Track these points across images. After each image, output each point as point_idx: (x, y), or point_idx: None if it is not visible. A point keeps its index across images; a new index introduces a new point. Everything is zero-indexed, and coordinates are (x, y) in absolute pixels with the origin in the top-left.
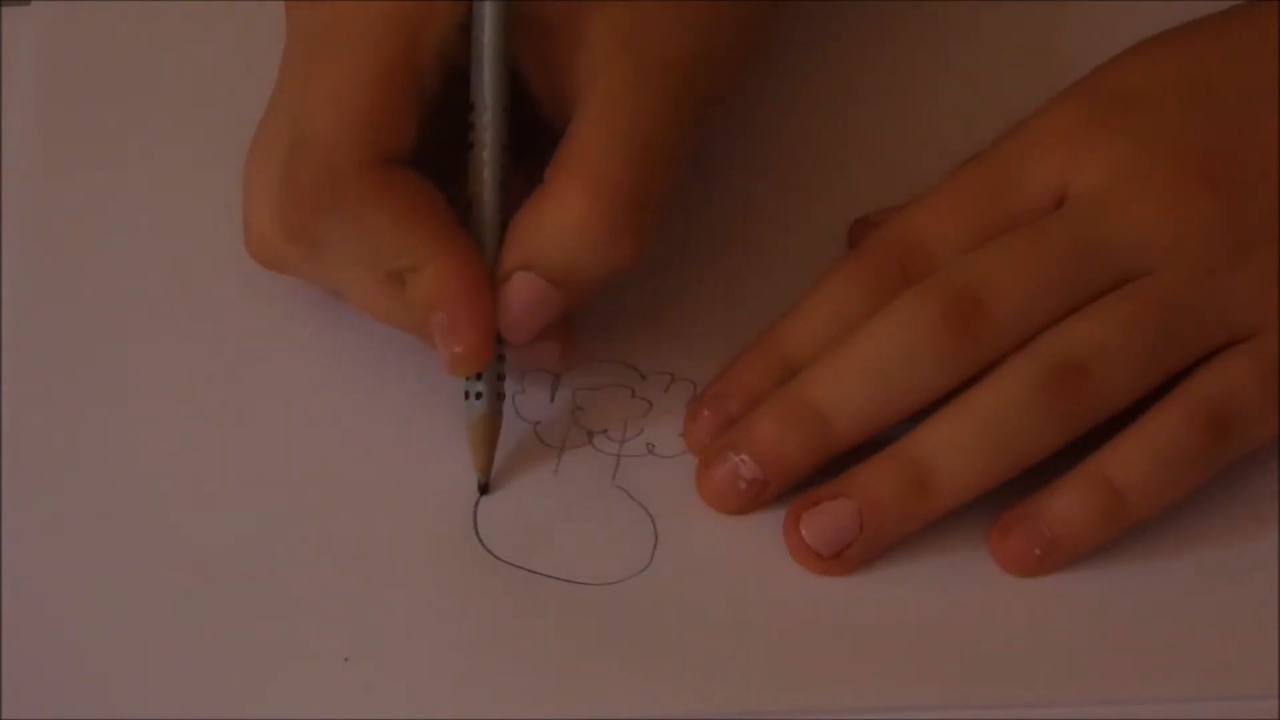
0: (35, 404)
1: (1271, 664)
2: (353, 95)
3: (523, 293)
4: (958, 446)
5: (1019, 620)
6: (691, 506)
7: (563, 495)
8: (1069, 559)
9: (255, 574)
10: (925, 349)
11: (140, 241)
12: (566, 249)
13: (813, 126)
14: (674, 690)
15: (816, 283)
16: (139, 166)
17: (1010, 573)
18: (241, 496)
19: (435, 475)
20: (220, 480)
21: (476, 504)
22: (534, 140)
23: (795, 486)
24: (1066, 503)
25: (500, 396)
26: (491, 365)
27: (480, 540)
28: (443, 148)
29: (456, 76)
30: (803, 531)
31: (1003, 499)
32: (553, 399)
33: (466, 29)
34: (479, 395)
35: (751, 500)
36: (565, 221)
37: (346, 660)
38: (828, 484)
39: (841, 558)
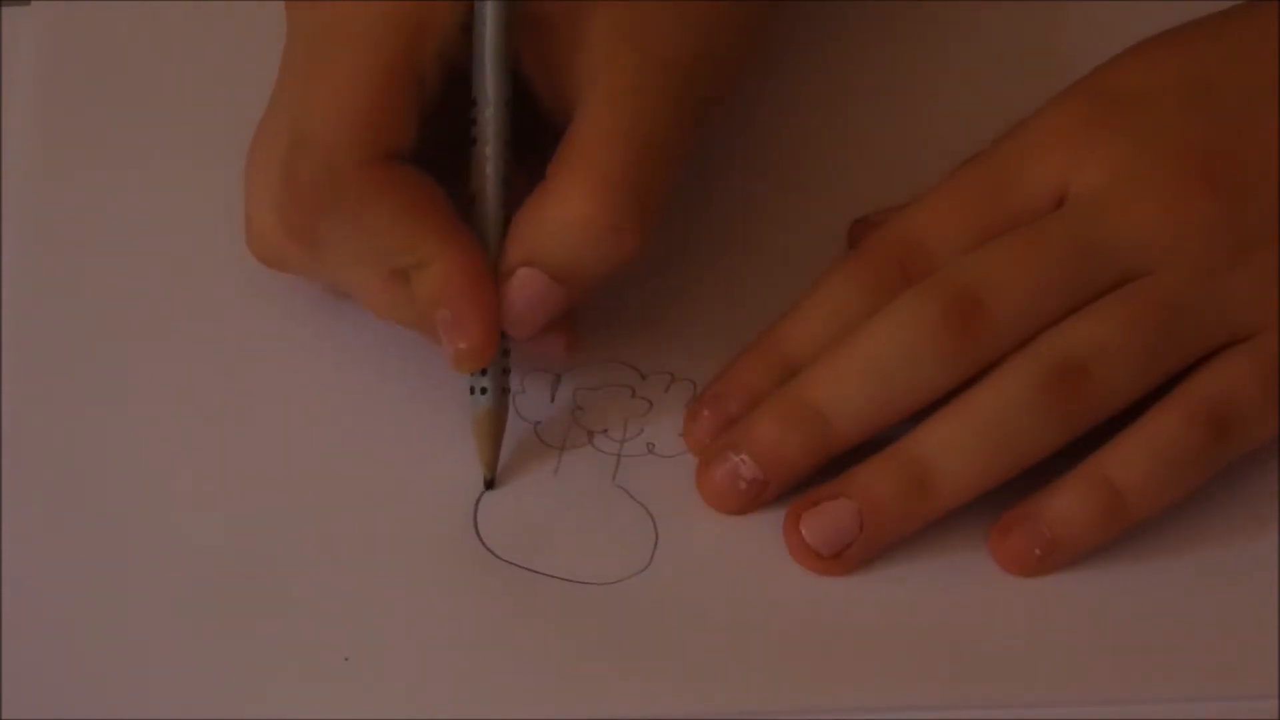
0: (35, 404)
1: (1271, 664)
2: (353, 95)
3: (526, 289)
4: (958, 446)
5: (1019, 620)
6: (691, 506)
7: (563, 495)
8: (1069, 559)
9: (255, 574)
10: (925, 349)
11: (140, 241)
12: (569, 245)
13: (813, 126)
14: (674, 690)
15: (816, 283)
16: (139, 166)
17: (1010, 573)
18: (242, 496)
19: (435, 474)
20: (220, 480)
21: (477, 503)
22: (536, 138)
23: (795, 486)
24: (1066, 503)
25: (505, 391)
26: (496, 360)
27: (480, 539)
28: (443, 146)
29: (457, 75)
30: (803, 531)
31: (1003, 499)
32: (553, 399)
33: (467, 29)
34: (484, 390)
35: (751, 500)
36: (567, 218)
37: (346, 660)
38: (828, 484)
39: (841, 558)
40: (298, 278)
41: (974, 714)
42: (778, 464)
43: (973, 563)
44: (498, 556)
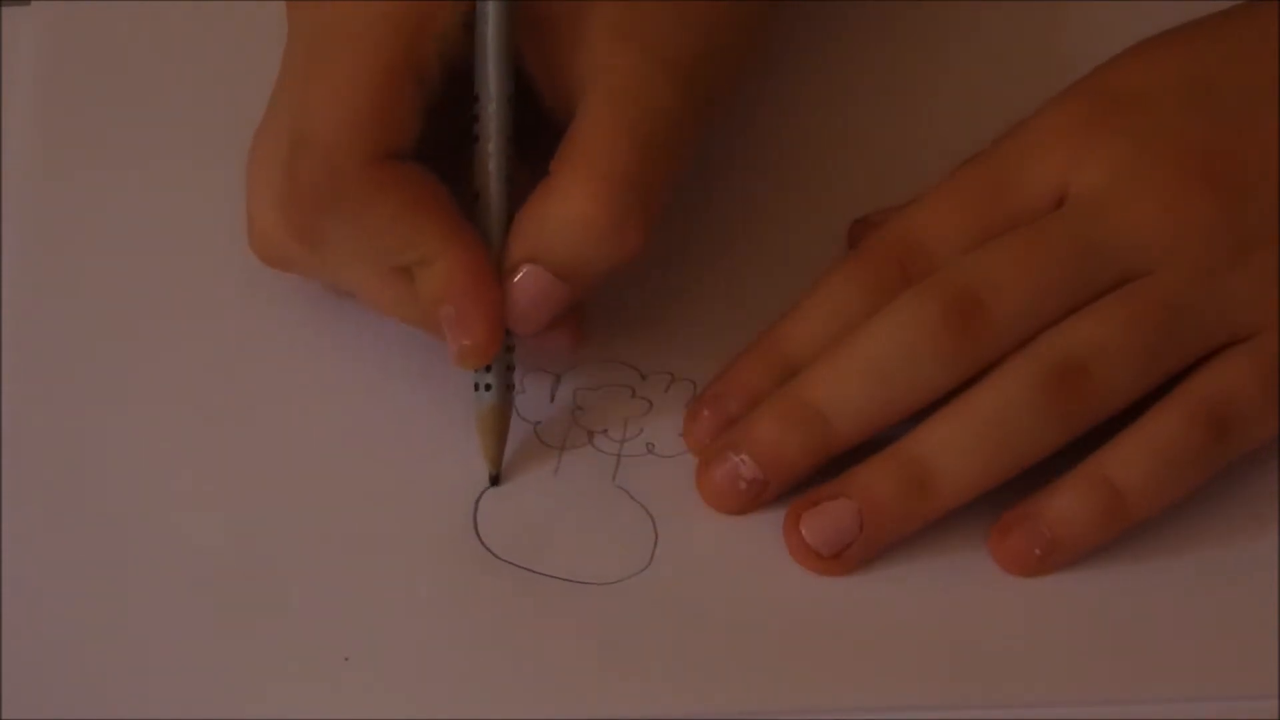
0: (35, 404)
1: (1271, 664)
2: (354, 94)
3: (529, 286)
4: (958, 446)
5: (1019, 620)
6: (691, 506)
7: (563, 495)
8: (1069, 559)
9: (255, 574)
10: (925, 349)
11: (140, 241)
12: (572, 242)
13: (813, 126)
14: (674, 690)
15: (816, 283)
16: (139, 166)
17: (1010, 573)
18: (242, 496)
19: (435, 474)
20: (220, 480)
21: (477, 503)
22: (537, 135)
23: (795, 486)
24: (1066, 503)
25: (510, 387)
26: (500, 357)
27: (480, 540)
28: (444, 145)
29: (458, 74)
30: (803, 531)
31: (1003, 499)
32: (553, 399)
33: (468, 27)
34: (488, 387)
35: (751, 500)
36: (570, 215)
37: (346, 660)
38: (828, 484)
39: (841, 558)
40: (298, 277)
41: (974, 714)
42: (778, 464)
43: (973, 563)
44: (498, 556)
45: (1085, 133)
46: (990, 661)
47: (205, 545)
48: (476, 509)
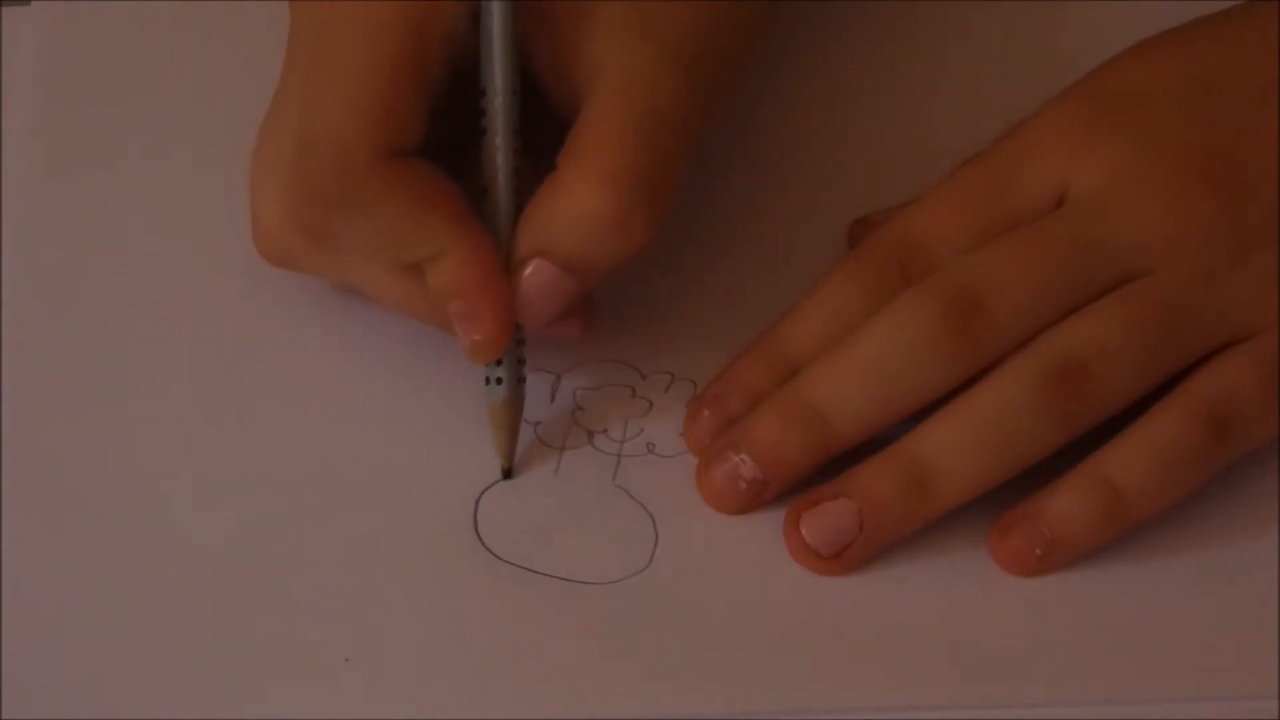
0: (35, 404)
1: (1271, 664)
2: (361, 91)
3: (538, 280)
4: (958, 446)
5: (1019, 620)
6: (691, 506)
7: (563, 495)
8: (1069, 559)
9: (255, 574)
10: (925, 349)
11: (140, 241)
12: (579, 237)
13: (813, 126)
14: (674, 690)
15: (816, 283)
16: (139, 166)
17: (1010, 573)
18: (241, 496)
19: (435, 474)
20: (220, 480)
21: (477, 503)
22: (544, 131)
23: (795, 486)
24: (1066, 503)
25: (521, 381)
26: (511, 350)
27: (480, 540)
28: (446, 143)
29: (462, 70)
30: (803, 531)
31: (1003, 499)
32: (553, 399)
33: (472, 22)
34: (499, 381)
35: (751, 500)
36: (577, 210)
37: (347, 660)
38: (828, 484)
39: (841, 558)
40: (298, 278)
41: (974, 714)
42: (778, 464)
43: (973, 563)
44: (498, 556)
45: (1085, 133)
46: (990, 661)
47: (205, 545)
48: (476, 509)
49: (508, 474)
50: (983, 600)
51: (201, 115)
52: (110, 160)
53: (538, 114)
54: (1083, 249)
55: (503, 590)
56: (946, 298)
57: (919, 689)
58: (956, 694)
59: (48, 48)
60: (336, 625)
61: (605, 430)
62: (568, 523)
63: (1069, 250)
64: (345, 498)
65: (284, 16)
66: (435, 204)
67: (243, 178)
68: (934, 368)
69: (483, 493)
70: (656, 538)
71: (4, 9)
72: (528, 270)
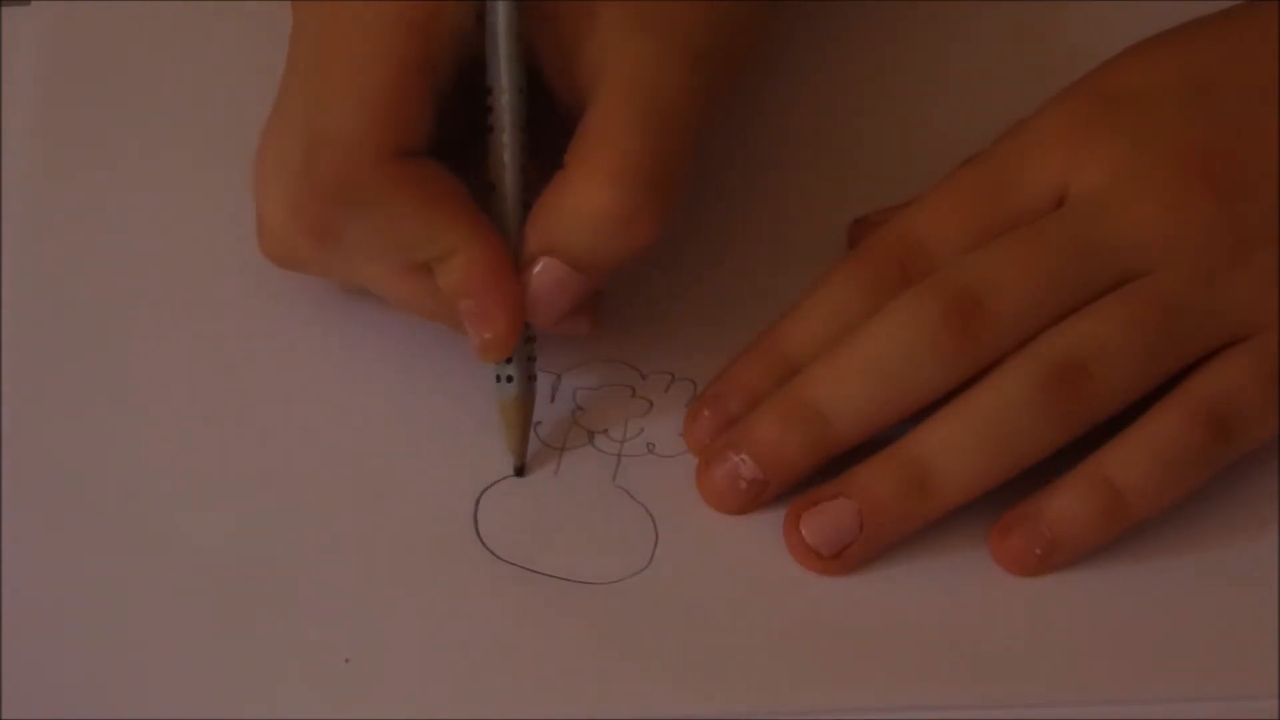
0: (35, 404)
1: (1271, 664)
2: (369, 91)
3: (547, 278)
4: (958, 446)
5: (1019, 620)
6: (691, 506)
7: (563, 495)
8: (1069, 559)
9: (256, 574)
10: (925, 349)
11: (140, 241)
12: (587, 235)
13: (813, 126)
14: (674, 690)
15: (816, 283)
16: (139, 166)
17: (1010, 573)
18: (241, 496)
19: (436, 475)
20: (220, 480)
21: (477, 503)
22: (550, 130)
23: (795, 486)
24: (1066, 503)
25: (531, 378)
26: (521, 347)
27: (480, 540)
28: (451, 144)
29: (467, 70)
30: (803, 531)
31: (1003, 499)
32: (553, 399)
33: (478, 21)
34: (510, 378)
35: (751, 500)
36: (585, 208)
37: (347, 661)
38: (828, 484)
39: (842, 558)
40: (297, 278)
41: (974, 714)
42: (778, 464)
43: (973, 563)
44: (498, 556)
45: (1085, 133)
46: (990, 661)
47: (205, 545)
48: (477, 509)
49: (520, 471)
50: (983, 600)
51: (201, 115)
52: (110, 160)
53: (544, 112)
54: (1083, 249)
55: (503, 590)
56: (946, 298)
57: (919, 689)
58: (956, 694)
59: (48, 48)
60: (336, 625)
61: (605, 430)
62: (568, 523)
63: (1069, 250)
64: (345, 497)
65: (284, 16)
66: (443, 203)
67: (243, 178)
68: (934, 368)
69: (483, 493)
70: (656, 538)
71: (4, 9)
72: (536, 268)
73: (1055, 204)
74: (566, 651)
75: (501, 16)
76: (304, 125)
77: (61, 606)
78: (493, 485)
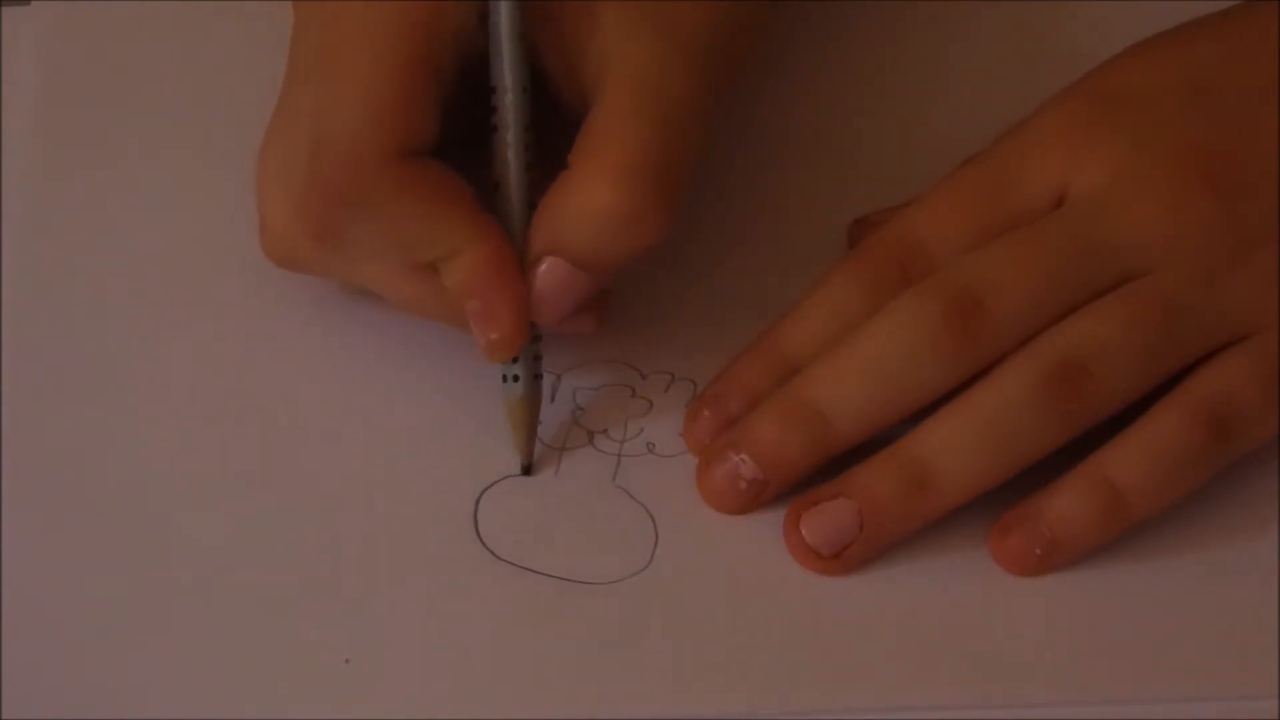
0: (35, 403)
1: (1271, 664)
2: (373, 91)
3: (552, 278)
4: (958, 446)
5: (1019, 620)
6: (691, 506)
7: (563, 495)
8: (1069, 559)
9: (255, 574)
10: (925, 349)
11: (140, 241)
12: (592, 234)
13: (813, 126)
14: (674, 690)
15: (816, 283)
16: (139, 166)
17: (1010, 573)
18: (241, 496)
19: (436, 475)
20: (220, 480)
21: (477, 503)
22: (554, 130)
23: (795, 486)
24: (1066, 503)
25: (538, 377)
26: (527, 347)
27: (480, 539)
28: (455, 144)
29: (470, 71)
30: (803, 531)
31: (1003, 499)
32: (553, 399)
33: (481, 21)
34: (516, 378)
35: (751, 500)
36: (590, 207)
37: (347, 661)
38: (828, 484)
39: (842, 557)
40: (297, 278)
41: (974, 714)
42: (778, 464)
43: (973, 563)
44: (498, 556)
45: (1085, 133)
46: (990, 661)
47: (205, 545)
48: (477, 509)
49: (527, 470)
50: (983, 600)
51: (202, 115)
52: (110, 160)
53: (547, 111)
54: (1083, 249)
55: (503, 590)
56: (946, 297)
57: (919, 689)
58: (956, 694)
59: (48, 48)
60: (336, 625)
61: (605, 430)
62: (568, 523)
63: (1069, 250)
64: (345, 497)
65: (285, 16)
66: (448, 203)
67: (244, 178)
68: (934, 368)
69: (483, 492)
70: (656, 538)
71: (4, 9)
72: (542, 268)
73: (1055, 204)
74: (566, 651)
75: (504, 16)
76: (307, 126)
77: (61, 606)
78: (493, 485)
